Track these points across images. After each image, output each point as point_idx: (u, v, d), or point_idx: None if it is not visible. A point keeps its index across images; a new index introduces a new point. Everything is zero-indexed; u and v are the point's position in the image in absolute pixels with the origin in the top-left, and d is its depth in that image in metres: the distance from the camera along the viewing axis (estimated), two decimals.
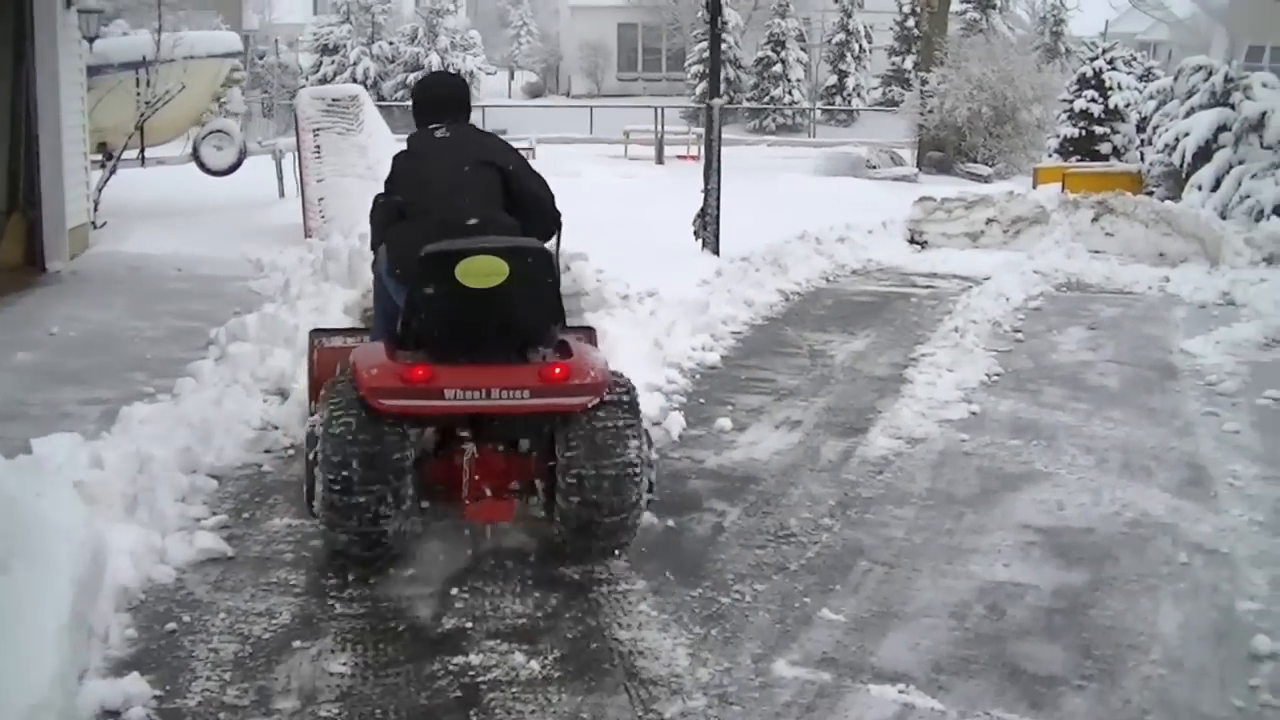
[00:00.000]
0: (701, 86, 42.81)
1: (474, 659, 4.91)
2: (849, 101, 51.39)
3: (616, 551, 5.90)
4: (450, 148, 6.24)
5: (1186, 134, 20.92)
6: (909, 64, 44.96)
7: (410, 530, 5.72)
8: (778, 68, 49.73)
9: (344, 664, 4.87)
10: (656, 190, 23.21)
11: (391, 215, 6.24)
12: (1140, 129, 26.83)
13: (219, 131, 20.21)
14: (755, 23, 51.24)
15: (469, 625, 5.21)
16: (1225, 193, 19.18)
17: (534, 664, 4.86)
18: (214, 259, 14.36)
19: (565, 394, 5.57)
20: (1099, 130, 29.96)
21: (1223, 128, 20.30)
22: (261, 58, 47.49)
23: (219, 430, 7.31)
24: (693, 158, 31.13)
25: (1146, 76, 32.56)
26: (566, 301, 9.46)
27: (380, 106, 25.24)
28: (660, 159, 33.53)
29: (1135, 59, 34.87)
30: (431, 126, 6.38)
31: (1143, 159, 24.57)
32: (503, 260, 5.48)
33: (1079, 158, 28.98)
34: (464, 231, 5.73)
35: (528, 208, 6.22)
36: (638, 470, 5.68)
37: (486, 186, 6.12)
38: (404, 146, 6.49)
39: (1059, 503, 6.90)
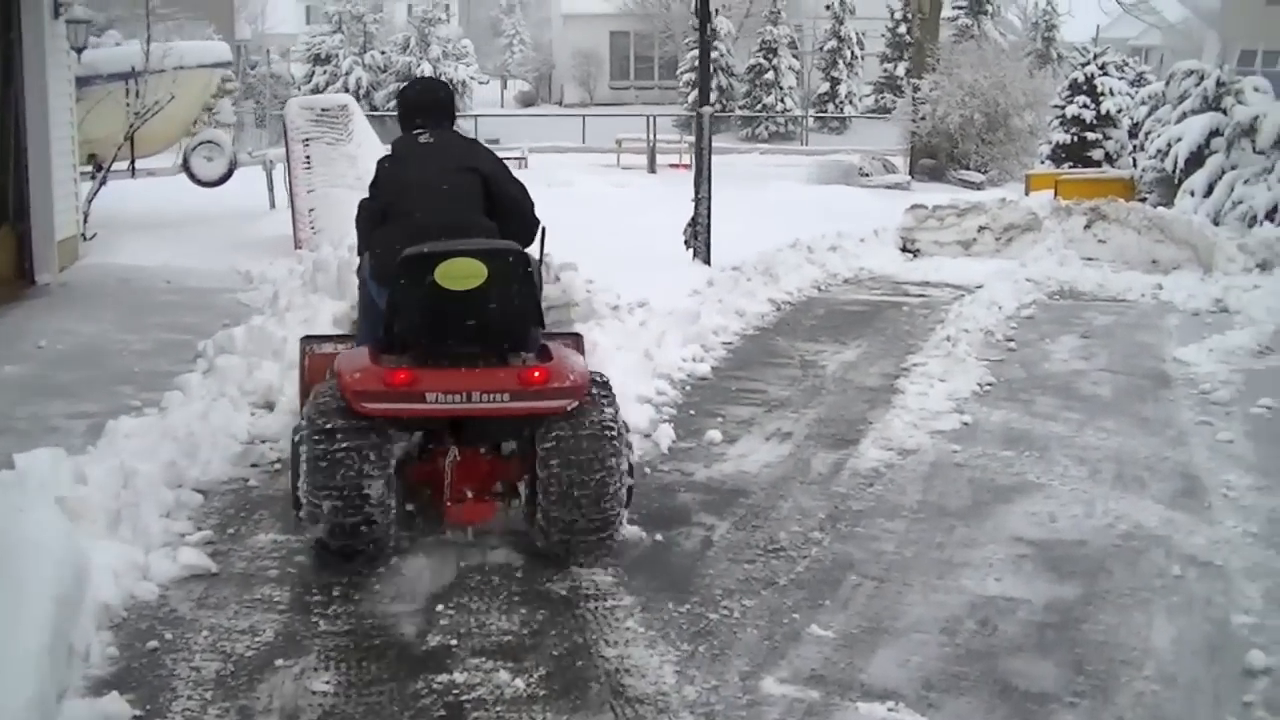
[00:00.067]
0: (694, 95, 42.82)
1: (458, 677, 4.86)
2: (841, 109, 51.34)
3: (597, 553, 5.96)
4: (432, 153, 6.35)
5: (1179, 139, 20.95)
6: (901, 71, 44.89)
7: (392, 531, 5.79)
8: (770, 75, 49.67)
9: (327, 682, 4.82)
10: (648, 199, 23.17)
11: (374, 219, 6.35)
12: (1132, 135, 26.87)
13: (209, 142, 20.17)
14: (747, 30, 51.20)
15: (454, 642, 5.16)
16: (1218, 198, 19.19)
17: (519, 682, 4.81)
18: (204, 271, 14.32)
19: (544, 397, 5.67)
20: (1091, 136, 29.97)
21: (1215, 133, 20.33)
22: (254, 68, 47.46)
23: (205, 444, 7.27)
24: (685, 166, 31.05)
25: (1138, 82, 32.59)
26: (557, 312, 9.61)
27: (373, 116, 25.27)
28: (652, 168, 33.49)
29: (1127, 64, 34.92)
30: (415, 132, 6.50)
31: (1135, 165, 24.60)
32: (481, 263, 5.63)
33: (1071, 164, 28.99)
34: (444, 235, 5.83)
35: (507, 212, 6.34)
36: (616, 474, 5.77)
37: (467, 191, 6.23)
38: (388, 151, 6.61)
39: (1051, 515, 6.86)
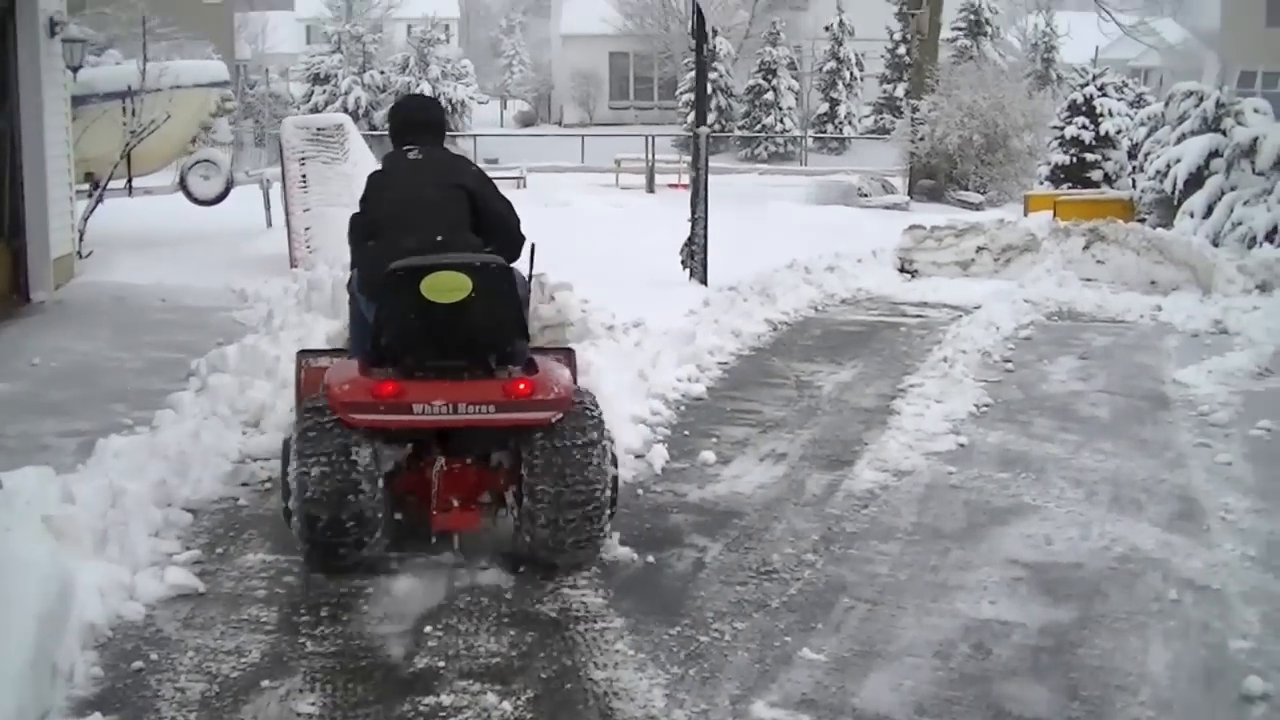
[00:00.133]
0: (693, 115, 42.90)
1: (445, 699, 4.80)
2: (840, 129, 51.46)
3: (580, 563, 6.06)
4: (419, 170, 6.49)
5: (1178, 160, 20.94)
6: (900, 91, 44.96)
7: (380, 540, 5.85)
8: (769, 95, 49.80)
9: (312, 704, 4.77)
10: (646, 219, 23.17)
11: (364, 234, 6.49)
12: (1132, 155, 26.86)
13: (206, 161, 20.13)
14: (746, 51, 51.35)
15: (441, 664, 5.10)
16: (1217, 219, 19.16)
17: (506, 705, 4.75)
18: (199, 289, 14.28)
19: (529, 409, 5.81)
20: (1090, 157, 30.02)
21: (1214, 154, 20.31)
22: (253, 87, 47.56)
23: (196, 463, 7.23)
24: (684, 186, 30.94)
25: (1138, 103, 32.62)
26: (552, 332, 9.58)
27: (372, 136, 25.25)
28: (651, 188, 33.55)
29: (1126, 85, 34.97)
30: (405, 148, 6.64)
31: (1134, 186, 24.57)
32: (465, 276, 5.75)
33: (1070, 185, 29.01)
34: (430, 249, 5.97)
35: (493, 228, 6.45)
36: (600, 485, 5.88)
37: (453, 207, 6.35)
38: (379, 167, 6.77)
39: (1047, 537, 6.79)
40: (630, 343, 10.29)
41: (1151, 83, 47.85)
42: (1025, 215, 22.89)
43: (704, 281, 14.89)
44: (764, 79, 50.00)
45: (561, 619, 5.57)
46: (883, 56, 50.53)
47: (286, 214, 15.96)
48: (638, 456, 7.94)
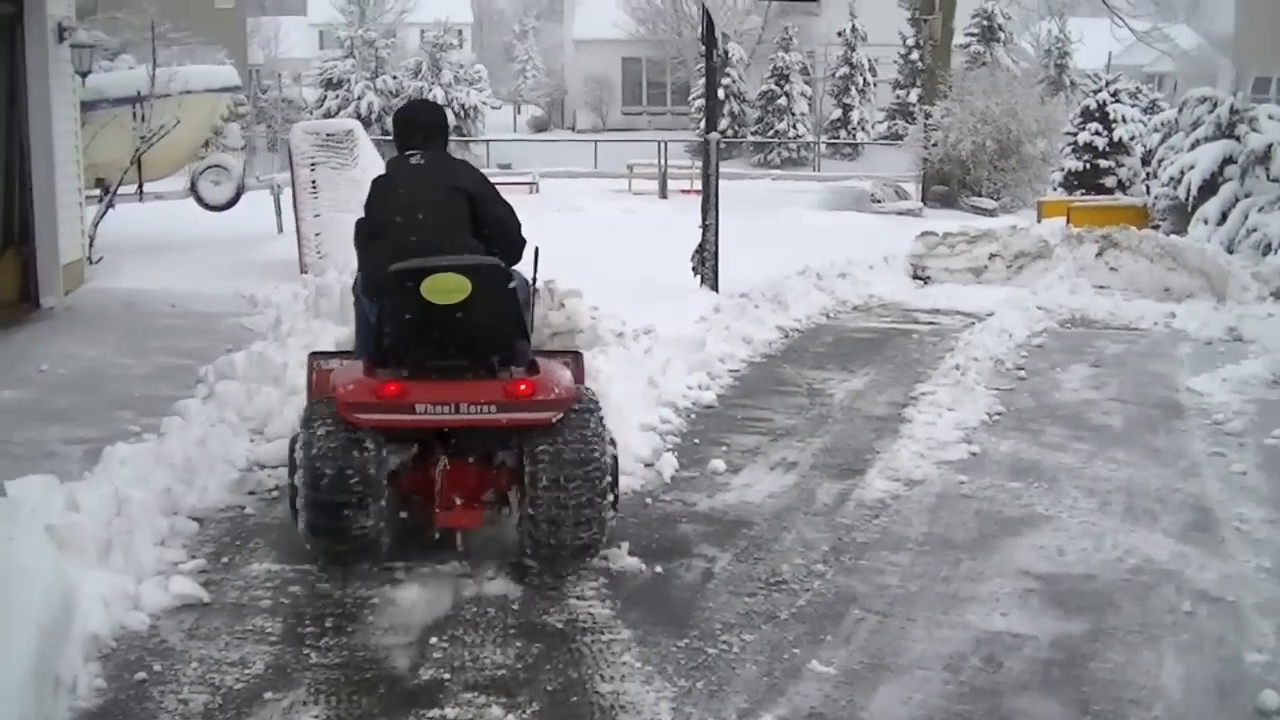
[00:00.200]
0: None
1: (450, 712, 4.76)
2: (853, 135, 51.38)
3: (580, 563, 6.15)
4: (421, 173, 6.59)
5: (1192, 167, 20.84)
6: (913, 97, 44.85)
7: (383, 535, 5.93)
8: (782, 101, 49.73)
9: (315, 716, 4.73)
10: (658, 225, 23.09)
11: (367, 236, 6.58)
12: (1145, 162, 26.74)
13: (217, 166, 20.15)
14: (759, 56, 51.27)
15: (447, 676, 5.06)
16: (1232, 226, 19.07)
17: (511, 718, 4.71)
18: (209, 295, 14.26)
19: (530, 409, 5.90)
20: (1103, 163, 29.92)
21: (1229, 160, 20.21)
22: (265, 92, 47.60)
23: (202, 471, 7.21)
24: (696, 192, 30.77)
25: (1151, 109, 32.54)
26: (561, 339, 9.53)
27: (386, 140, 25.21)
28: (664, 193, 33.49)
29: (1140, 91, 34.89)
30: (408, 153, 6.75)
31: (1148, 192, 24.45)
32: (465, 277, 5.83)
33: (1083, 191, 28.93)
34: (431, 252, 6.05)
35: (494, 232, 6.55)
36: (600, 486, 5.96)
37: (453, 211, 6.45)
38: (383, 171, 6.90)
39: (1059, 548, 6.73)
40: (640, 350, 10.22)
41: (1165, 89, 47.79)
42: (1038, 221, 22.85)
43: (715, 288, 14.83)
44: (776, 84, 49.94)
45: (568, 630, 5.53)
46: (895, 62, 50.43)
47: (296, 219, 15.94)
48: (647, 465, 7.90)
